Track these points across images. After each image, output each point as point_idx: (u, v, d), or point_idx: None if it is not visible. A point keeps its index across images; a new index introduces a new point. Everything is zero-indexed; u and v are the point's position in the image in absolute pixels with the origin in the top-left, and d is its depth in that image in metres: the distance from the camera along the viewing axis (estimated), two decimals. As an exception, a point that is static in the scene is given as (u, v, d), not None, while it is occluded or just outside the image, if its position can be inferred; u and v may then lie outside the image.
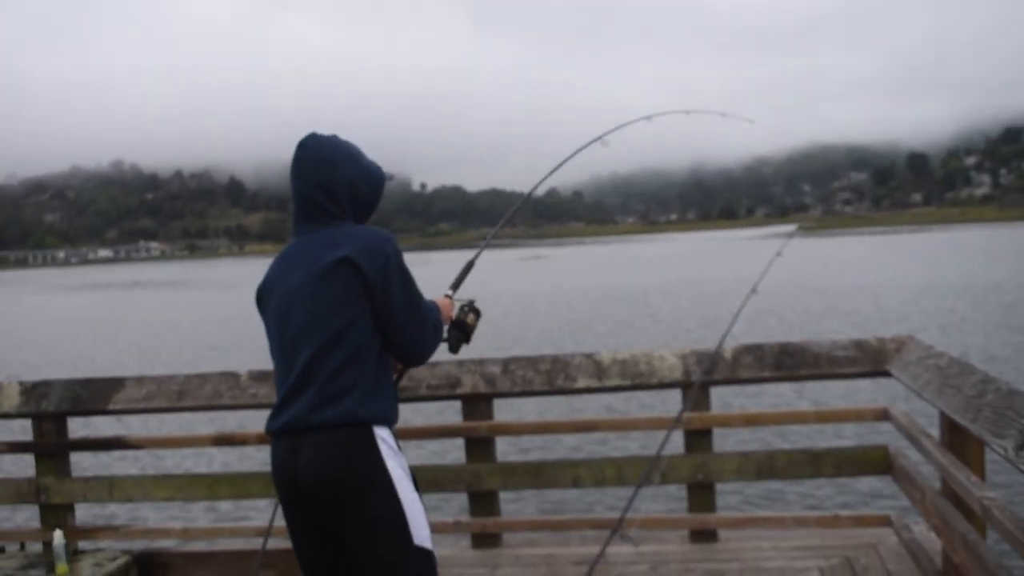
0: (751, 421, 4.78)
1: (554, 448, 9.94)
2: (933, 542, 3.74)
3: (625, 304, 32.69)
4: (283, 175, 3.11)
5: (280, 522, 3.61)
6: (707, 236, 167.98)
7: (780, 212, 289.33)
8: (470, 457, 4.44)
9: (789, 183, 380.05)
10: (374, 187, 3.09)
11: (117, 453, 9.42)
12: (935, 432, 3.68)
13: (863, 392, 11.98)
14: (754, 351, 4.23)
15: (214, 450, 10.09)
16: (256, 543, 4.42)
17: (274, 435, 2.94)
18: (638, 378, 4.24)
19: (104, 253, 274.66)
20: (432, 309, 3.16)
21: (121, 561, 4.55)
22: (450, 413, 4.95)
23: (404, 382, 4.26)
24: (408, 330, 3.01)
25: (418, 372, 4.31)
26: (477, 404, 4.40)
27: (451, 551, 4.45)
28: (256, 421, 3.73)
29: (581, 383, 4.27)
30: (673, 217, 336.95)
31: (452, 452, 6.12)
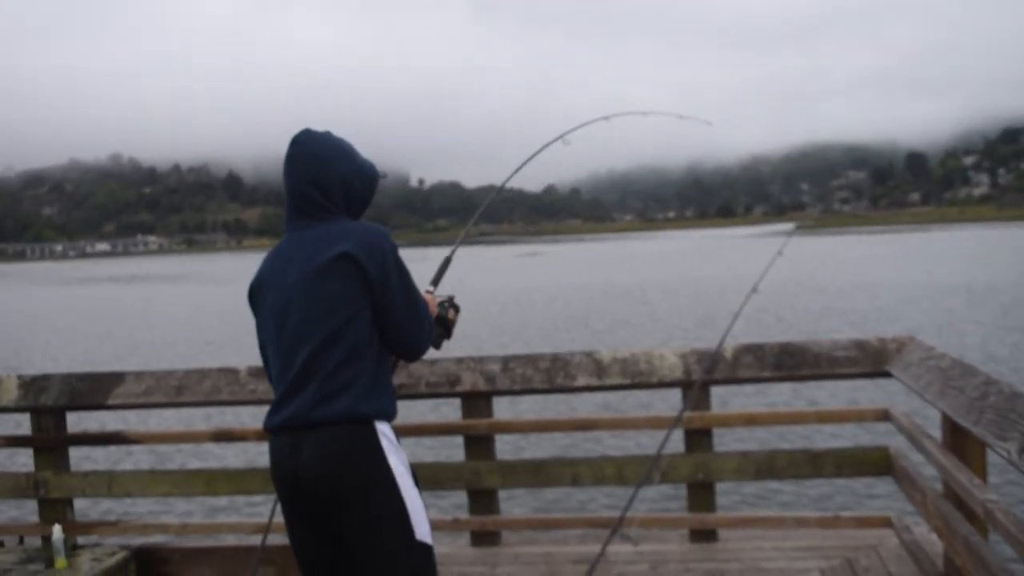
0: (751, 421, 4.77)
1: (552, 446, 9.93)
2: (934, 544, 3.74)
3: (623, 302, 32.70)
4: (281, 170, 3.11)
5: (279, 518, 3.60)
6: (705, 234, 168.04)
7: (778, 211, 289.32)
8: (469, 455, 4.43)
9: (787, 182, 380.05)
10: (367, 184, 3.09)
11: (115, 448, 9.42)
12: (936, 433, 3.68)
13: (860, 392, 11.98)
14: (755, 351, 4.22)
15: (212, 446, 10.08)
16: (254, 539, 4.42)
17: (273, 432, 2.93)
18: (638, 377, 4.24)
19: (102, 247, 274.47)
20: (426, 305, 3.17)
21: (120, 556, 4.54)
22: (449, 410, 4.94)
23: (404, 379, 4.26)
24: (406, 325, 3.02)
25: (417, 369, 4.30)
26: (476, 402, 4.39)
27: (450, 549, 4.44)
28: (255, 417, 3.72)
29: (581, 381, 4.26)
30: (671, 215, 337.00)
31: (451, 450, 6.11)
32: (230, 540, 4.75)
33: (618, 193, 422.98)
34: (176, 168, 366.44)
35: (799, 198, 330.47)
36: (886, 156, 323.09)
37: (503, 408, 4.59)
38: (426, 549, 2.88)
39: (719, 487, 4.39)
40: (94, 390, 4.67)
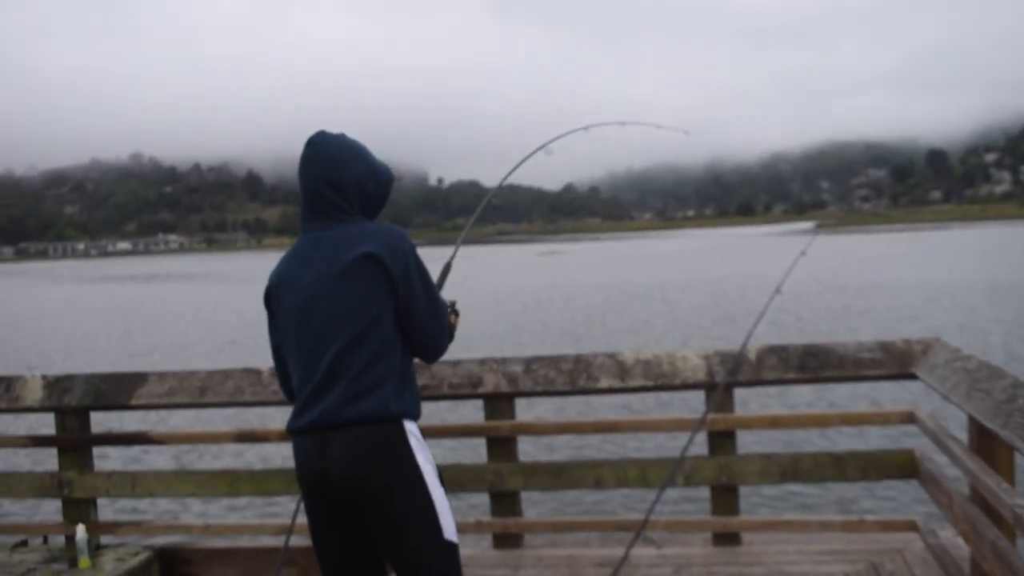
0: (775, 423, 4.74)
1: (572, 448, 9.91)
2: (961, 548, 3.70)
3: (642, 301, 32.63)
4: None
5: (302, 519, 3.61)
6: (724, 232, 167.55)
7: (798, 209, 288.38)
8: (492, 456, 4.42)
9: (807, 180, 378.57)
10: (382, 185, 3.10)
11: (138, 448, 9.46)
12: (961, 436, 3.65)
13: (881, 394, 11.92)
14: (778, 352, 4.19)
15: (235, 446, 10.11)
16: (277, 540, 4.43)
17: (298, 433, 2.93)
18: (661, 379, 4.22)
19: (123, 245, 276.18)
20: (446, 306, 3.18)
21: (143, 556, 4.55)
22: (471, 411, 4.93)
23: (426, 380, 4.26)
24: (427, 326, 3.03)
25: (440, 371, 4.30)
26: (499, 403, 4.38)
27: (472, 551, 4.43)
28: (277, 418, 3.73)
29: (604, 383, 4.24)
30: (690, 213, 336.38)
31: (473, 451, 6.11)
32: (253, 541, 4.76)
33: (637, 191, 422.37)
34: (196, 167, 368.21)
35: (819, 196, 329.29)
36: (906, 154, 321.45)
37: (523, 409, 4.57)
38: (453, 548, 2.90)
39: (742, 490, 4.37)
40: (118, 390, 4.68)
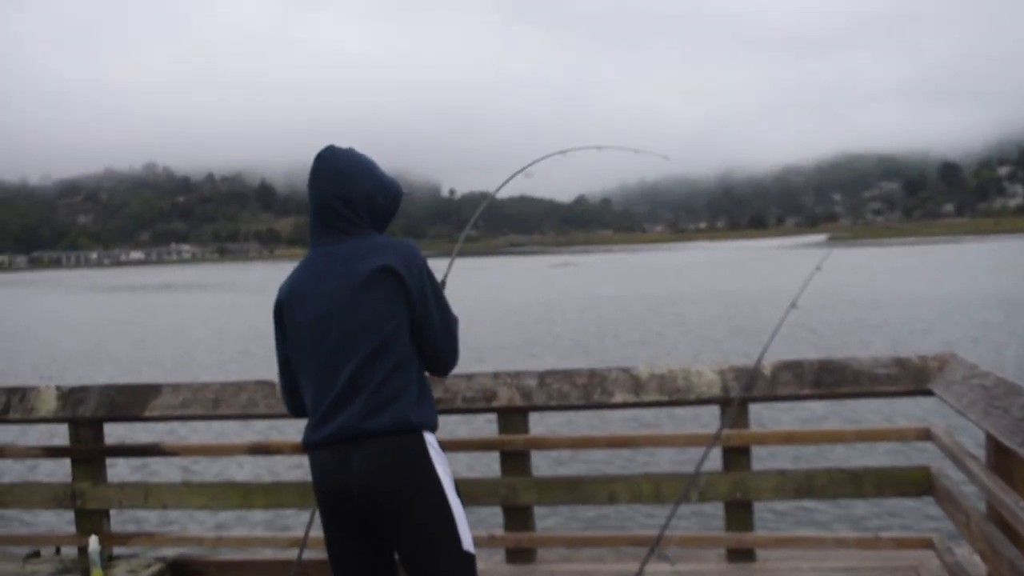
0: (790, 439, 4.72)
1: (582, 462, 9.88)
2: (978, 566, 3.67)
3: (655, 314, 32.58)
4: None
5: (315, 532, 3.60)
6: (736, 245, 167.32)
7: (810, 222, 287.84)
8: (505, 471, 4.41)
9: (819, 192, 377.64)
10: (391, 200, 3.12)
11: (151, 459, 9.48)
12: (978, 453, 3.62)
13: (894, 409, 11.86)
14: (793, 368, 4.17)
15: (248, 459, 10.12)
16: (290, 553, 4.42)
17: (316, 446, 2.94)
18: (676, 394, 4.20)
19: (136, 255, 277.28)
20: (457, 320, 3.20)
21: (155, 568, 4.56)
22: (484, 425, 4.93)
23: (440, 394, 4.26)
24: (441, 339, 3.05)
25: (454, 384, 4.29)
26: (513, 417, 4.37)
27: (485, 566, 4.41)
28: (290, 431, 3.73)
29: (618, 398, 4.23)
30: (702, 225, 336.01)
31: (486, 465, 6.11)
32: (265, 554, 4.76)
33: (649, 204, 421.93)
34: (210, 177, 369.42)
35: (831, 209, 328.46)
36: (919, 166, 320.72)
37: (536, 423, 4.56)
38: (471, 559, 2.92)
39: (757, 506, 4.34)
40: (131, 402, 4.69)
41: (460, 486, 3.00)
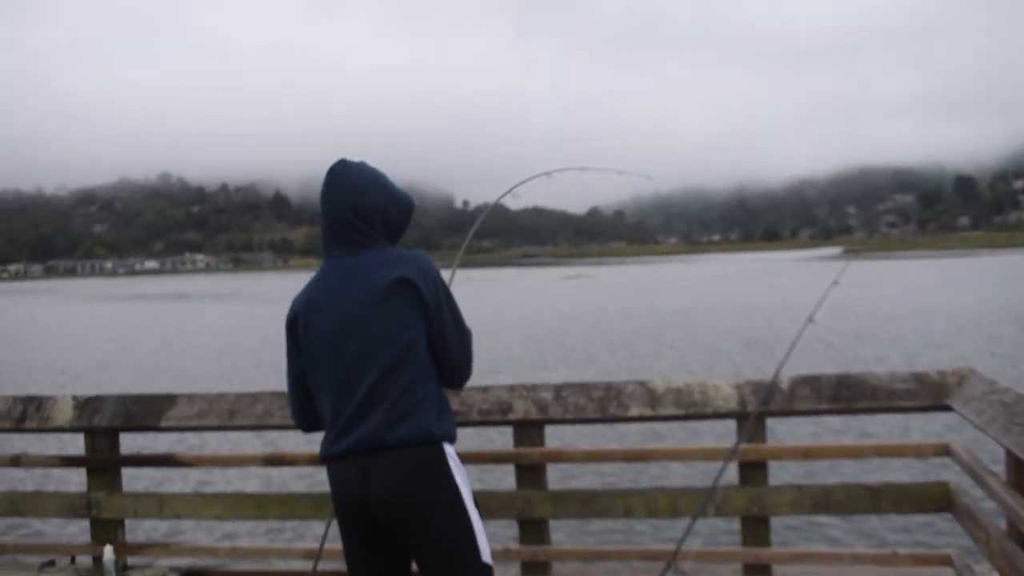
0: (808, 454, 4.69)
1: (596, 475, 9.84)
2: (997, 584, 3.64)
3: (668, 327, 32.51)
4: None
5: (331, 544, 3.60)
6: (750, 257, 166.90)
7: (824, 234, 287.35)
8: (520, 484, 4.39)
9: (833, 205, 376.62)
10: (403, 212, 3.14)
11: (166, 469, 9.48)
12: (997, 469, 3.59)
13: (909, 424, 11.79)
14: (811, 382, 4.15)
15: (263, 469, 10.11)
16: (305, 564, 4.41)
17: (336, 458, 2.94)
18: (692, 408, 4.18)
19: (151, 264, 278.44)
20: (471, 333, 3.21)
21: (169, 578, 4.56)
22: (498, 437, 4.92)
23: (456, 406, 4.25)
24: (456, 352, 3.06)
25: (469, 397, 4.28)
26: (528, 430, 4.35)
27: (501, 578, 4.40)
28: (306, 442, 3.72)
29: (634, 411, 4.21)
30: (716, 238, 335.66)
31: (501, 478, 6.09)
32: (280, 565, 4.75)
33: (662, 216, 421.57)
34: (224, 188, 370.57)
35: (846, 222, 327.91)
36: (934, 179, 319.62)
37: (550, 436, 4.54)
38: (489, 570, 2.93)
39: (773, 521, 4.31)
40: (147, 412, 4.69)
41: (475, 499, 3.00)
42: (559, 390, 4.32)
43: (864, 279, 59.60)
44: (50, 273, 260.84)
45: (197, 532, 8.50)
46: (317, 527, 4.20)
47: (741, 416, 4.13)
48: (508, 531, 4.54)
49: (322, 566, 3.77)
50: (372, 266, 2.97)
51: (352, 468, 2.89)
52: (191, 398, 4.70)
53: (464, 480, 2.95)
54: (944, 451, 4.03)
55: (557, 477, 4.49)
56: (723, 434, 4.30)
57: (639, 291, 60.84)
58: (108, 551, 4.46)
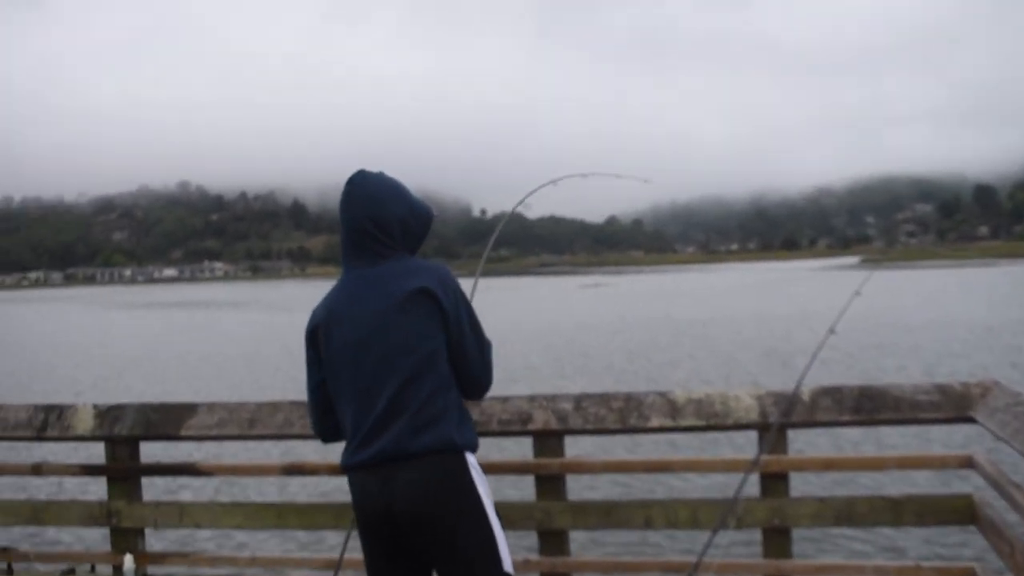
0: (830, 465, 4.66)
1: (616, 486, 9.80)
2: (1022, 598, 3.61)
3: (687, 336, 32.42)
4: None
5: (351, 554, 3.59)
6: (769, 267, 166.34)
7: (843, 244, 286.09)
8: (540, 494, 4.38)
9: (852, 214, 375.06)
10: (422, 223, 3.15)
11: (185, 479, 9.50)
12: (1021, 481, 3.56)
13: (930, 435, 11.71)
14: (833, 393, 4.12)
15: (282, 479, 10.12)
16: (324, 574, 4.41)
17: (357, 468, 2.94)
18: (713, 418, 4.16)
19: (169, 272, 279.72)
20: (490, 344, 3.20)
21: (190, 588, 4.57)
22: (516, 447, 4.90)
23: (476, 416, 4.24)
24: (476, 362, 3.06)
25: (489, 407, 4.28)
26: (548, 441, 4.34)
27: (521, 589, 4.38)
28: (326, 451, 3.73)
29: (655, 422, 4.19)
30: (734, 247, 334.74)
31: (521, 489, 6.08)
32: (299, 574, 4.75)
33: (680, 224, 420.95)
34: (243, 196, 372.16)
35: (864, 231, 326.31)
36: (953, 189, 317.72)
37: (568, 446, 4.53)
38: None
39: (795, 533, 4.28)
40: (167, 421, 4.70)
41: (496, 509, 3.00)
42: (579, 400, 4.31)
43: (883, 289, 59.29)
44: (70, 281, 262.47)
45: (217, 541, 8.50)
46: (337, 537, 4.20)
47: (762, 427, 4.11)
48: (528, 542, 4.53)
49: (342, 576, 3.77)
50: (391, 277, 2.97)
51: (373, 478, 2.89)
52: (211, 407, 4.71)
53: (486, 490, 2.95)
54: (968, 463, 4.00)
55: (574, 487, 4.47)
56: (740, 445, 4.28)
57: (657, 300, 60.70)
58: (128, 560, 4.47)
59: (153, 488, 5.51)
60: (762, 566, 4.28)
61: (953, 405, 4.00)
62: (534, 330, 35.29)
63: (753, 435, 4.21)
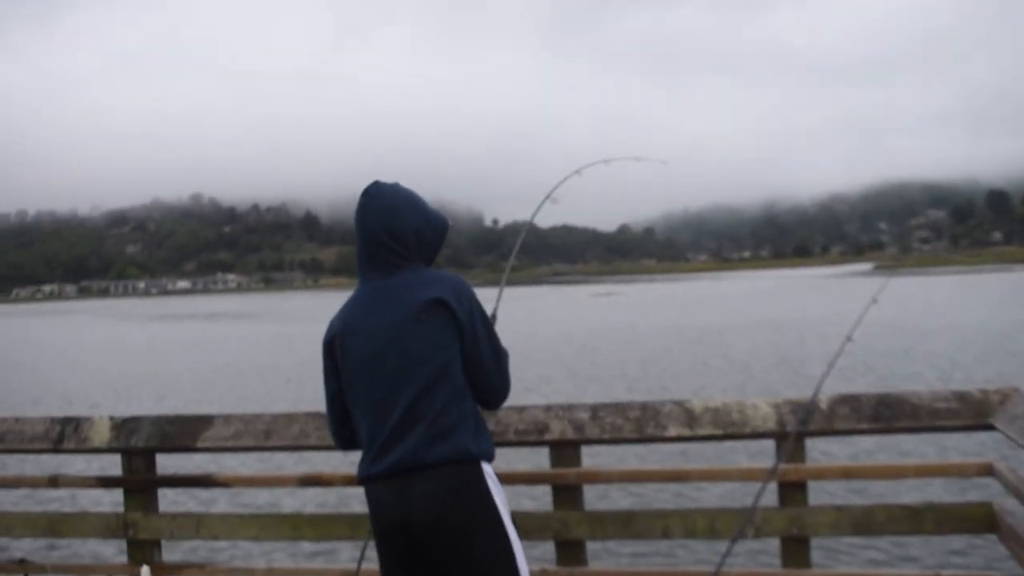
0: (848, 474, 4.62)
1: (631, 496, 9.77)
2: (1044, 607, 3.58)
3: (701, 344, 32.34)
4: None
5: (367, 565, 3.58)
6: (781, 274, 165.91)
7: (856, 250, 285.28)
8: (557, 504, 4.36)
9: (865, 221, 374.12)
10: (438, 233, 3.15)
11: (201, 490, 9.50)
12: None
13: (948, 443, 11.64)
14: (851, 401, 4.10)
15: (298, 490, 10.12)
16: (340, 586, 4.40)
17: (374, 479, 2.94)
18: (731, 427, 4.14)
19: (183, 284, 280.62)
20: (507, 354, 3.20)
21: (207, 600, 4.56)
22: (532, 456, 4.90)
23: (492, 426, 4.23)
24: (492, 372, 3.06)
25: (506, 417, 4.27)
26: (565, 451, 4.33)
27: (537, 600, 4.36)
28: (341, 463, 3.73)
29: (672, 431, 4.18)
30: (746, 254, 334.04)
31: (538, 499, 6.07)
32: (316, 586, 4.75)
33: (692, 233, 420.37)
34: (255, 208, 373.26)
35: (877, 237, 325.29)
36: (966, 194, 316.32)
37: (585, 456, 4.51)
38: None
39: (813, 542, 4.26)
40: (183, 432, 4.71)
41: (513, 519, 3.00)
42: (596, 410, 4.29)
43: (897, 295, 59.09)
44: (84, 293, 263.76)
45: (233, 553, 8.50)
46: (353, 548, 4.19)
47: (780, 436, 4.09)
48: (545, 552, 4.51)
49: (359, 587, 3.75)
50: (407, 288, 2.98)
51: (390, 489, 2.89)
52: (227, 419, 4.71)
53: (503, 500, 2.94)
54: (987, 471, 3.97)
55: (590, 497, 4.45)
56: (756, 453, 4.26)
57: (670, 309, 60.62)
58: (145, 572, 4.47)
59: (169, 500, 5.50)
60: (781, 575, 4.25)
61: (972, 412, 3.97)
62: (547, 339, 35.26)
63: (767, 444, 4.19)
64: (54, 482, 5.17)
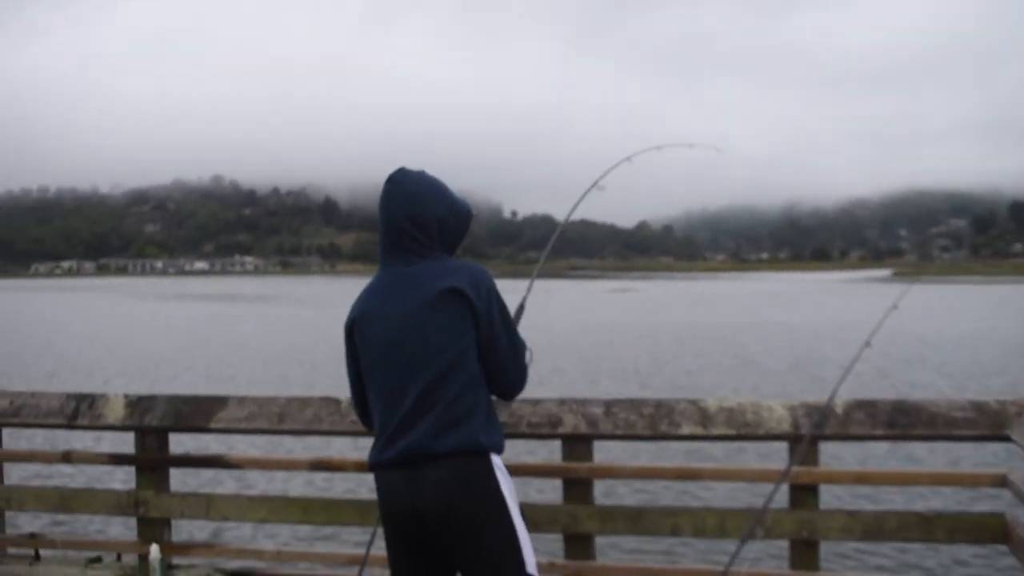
0: (861, 479, 4.61)
1: (641, 492, 9.74)
2: (1054, 620, 3.56)
3: (716, 343, 32.27)
4: (376, 197, 3.18)
5: (376, 551, 3.59)
6: (799, 277, 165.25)
7: (875, 256, 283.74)
8: (567, 498, 4.36)
9: (885, 227, 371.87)
10: (462, 222, 3.14)
11: (212, 471, 9.54)
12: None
13: (961, 452, 11.58)
14: (866, 407, 4.08)
15: (309, 474, 10.14)
16: (349, 571, 4.42)
17: (384, 466, 2.94)
18: (744, 428, 4.13)
19: (201, 265, 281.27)
20: (524, 344, 3.19)
21: (215, 579, 4.58)
22: (547, 451, 4.89)
23: (505, 418, 4.23)
24: (509, 363, 3.06)
25: (519, 409, 4.27)
26: (577, 445, 4.33)
27: (544, 593, 4.36)
28: (353, 448, 3.73)
29: (685, 430, 4.17)
30: (764, 256, 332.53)
31: (549, 492, 6.07)
32: (324, 570, 4.76)
33: (711, 232, 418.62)
34: (275, 191, 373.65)
35: (897, 244, 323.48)
36: (988, 204, 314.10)
37: (596, 451, 4.50)
38: None
39: (823, 547, 4.24)
40: (197, 412, 4.73)
41: (522, 511, 3.00)
42: (609, 405, 4.29)
43: (916, 303, 58.73)
44: (103, 271, 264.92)
45: (242, 534, 8.53)
46: (362, 534, 4.20)
47: (794, 438, 4.07)
48: (553, 545, 4.51)
49: (367, 573, 3.77)
50: (426, 276, 2.97)
51: (399, 477, 2.90)
52: (241, 400, 4.73)
53: (511, 491, 2.94)
54: (1001, 481, 3.95)
55: (600, 492, 4.44)
56: (766, 454, 4.25)
57: (686, 307, 60.51)
58: (155, 550, 4.49)
59: (180, 479, 5.52)
60: (789, 578, 4.24)
61: (989, 422, 3.95)
62: (563, 333, 35.24)
63: (779, 445, 4.18)
64: (67, 458, 5.21)
